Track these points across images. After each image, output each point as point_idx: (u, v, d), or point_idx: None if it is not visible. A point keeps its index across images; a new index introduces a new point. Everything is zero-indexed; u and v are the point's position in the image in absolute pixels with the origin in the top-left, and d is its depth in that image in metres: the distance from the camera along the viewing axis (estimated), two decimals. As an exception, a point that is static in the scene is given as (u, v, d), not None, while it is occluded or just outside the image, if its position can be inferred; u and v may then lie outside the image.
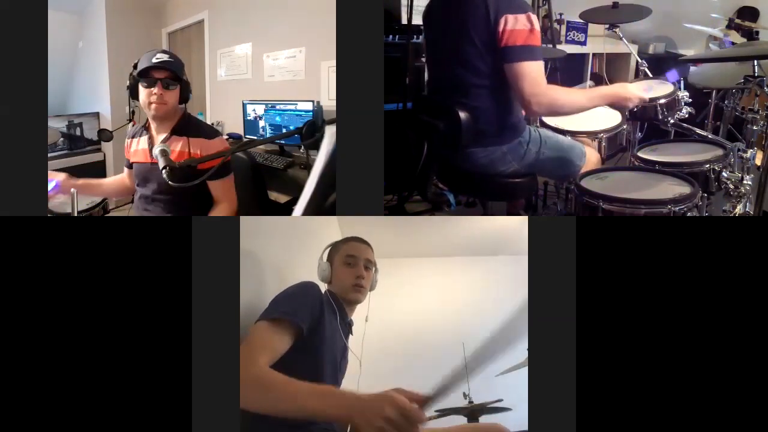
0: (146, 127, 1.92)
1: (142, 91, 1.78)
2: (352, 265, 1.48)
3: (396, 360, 2.13)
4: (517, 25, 1.71)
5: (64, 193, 1.91)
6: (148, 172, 1.87)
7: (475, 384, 1.82)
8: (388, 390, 1.07)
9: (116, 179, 2.14)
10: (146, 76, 1.77)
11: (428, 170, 2.95)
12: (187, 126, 1.85)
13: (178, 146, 1.79)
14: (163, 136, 1.84)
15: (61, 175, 1.93)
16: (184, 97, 1.86)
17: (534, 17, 1.74)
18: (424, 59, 3.10)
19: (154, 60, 1.77)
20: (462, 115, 1.82)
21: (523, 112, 1.94)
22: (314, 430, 1.23)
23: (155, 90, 1.77)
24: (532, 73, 1.72)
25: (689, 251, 1.42)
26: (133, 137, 1.96)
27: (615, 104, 2.00)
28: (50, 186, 1.88)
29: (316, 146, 1.15)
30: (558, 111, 1.88)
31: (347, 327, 1.50)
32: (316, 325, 1.30)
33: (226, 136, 3.51)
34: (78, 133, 3.70)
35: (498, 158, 1.93)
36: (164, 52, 1.82)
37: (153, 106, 1.78)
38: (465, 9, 1.78)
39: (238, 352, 1.23)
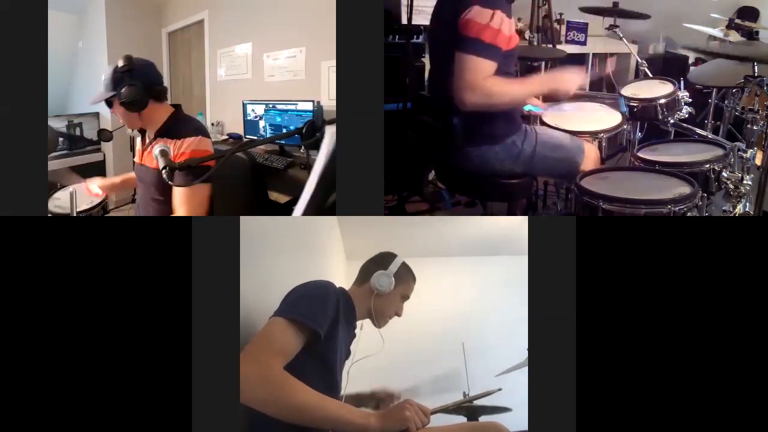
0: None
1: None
2: (402, 302, 1.54)
3: (396, 359, 2.13)
4: (477, 17, 1.69)
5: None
6: (139, 172, 1.92)
7: (475, 384, 1.83)
8: None
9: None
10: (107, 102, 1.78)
11: (425, 168, 2.95)
12: (169, 128, 1.80)
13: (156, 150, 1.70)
14: (150, 139, 1.84)
15: (97, 180, 2.09)
16: (155, 97, 1.78)
17: (501, 16, 1.71)
18: (424, 59, 3.11)
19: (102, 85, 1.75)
20: (454, 113, 1.82)
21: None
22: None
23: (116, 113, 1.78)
24: (474, 67, 1.70)
25: (689, 251, 1.42)
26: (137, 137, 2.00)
27: (553, 92, 1.99)
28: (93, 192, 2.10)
29: (316, 146, 1.15)
30: (493, 105, 1.80)
31: (353, 332, 1.47)
32: (331, 329, 1.27)
33: (226, 136, 3.53)
34: (78, 133, 3.71)
35: (491, 157, 1.92)
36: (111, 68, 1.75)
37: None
38: (453, 7, 1.77)
39: (238, 353, 1.23)
